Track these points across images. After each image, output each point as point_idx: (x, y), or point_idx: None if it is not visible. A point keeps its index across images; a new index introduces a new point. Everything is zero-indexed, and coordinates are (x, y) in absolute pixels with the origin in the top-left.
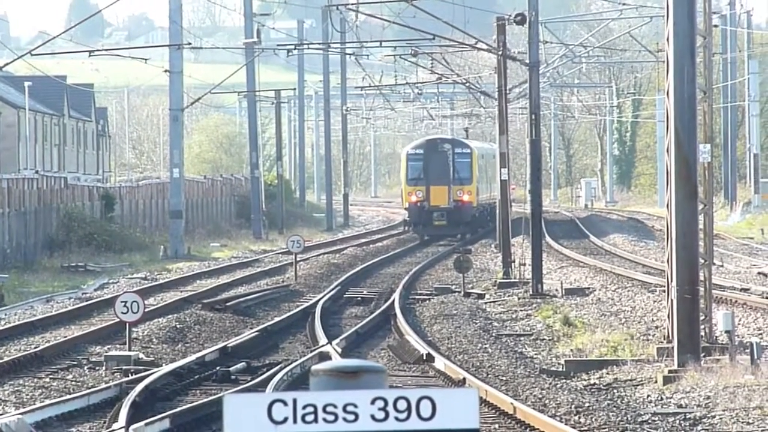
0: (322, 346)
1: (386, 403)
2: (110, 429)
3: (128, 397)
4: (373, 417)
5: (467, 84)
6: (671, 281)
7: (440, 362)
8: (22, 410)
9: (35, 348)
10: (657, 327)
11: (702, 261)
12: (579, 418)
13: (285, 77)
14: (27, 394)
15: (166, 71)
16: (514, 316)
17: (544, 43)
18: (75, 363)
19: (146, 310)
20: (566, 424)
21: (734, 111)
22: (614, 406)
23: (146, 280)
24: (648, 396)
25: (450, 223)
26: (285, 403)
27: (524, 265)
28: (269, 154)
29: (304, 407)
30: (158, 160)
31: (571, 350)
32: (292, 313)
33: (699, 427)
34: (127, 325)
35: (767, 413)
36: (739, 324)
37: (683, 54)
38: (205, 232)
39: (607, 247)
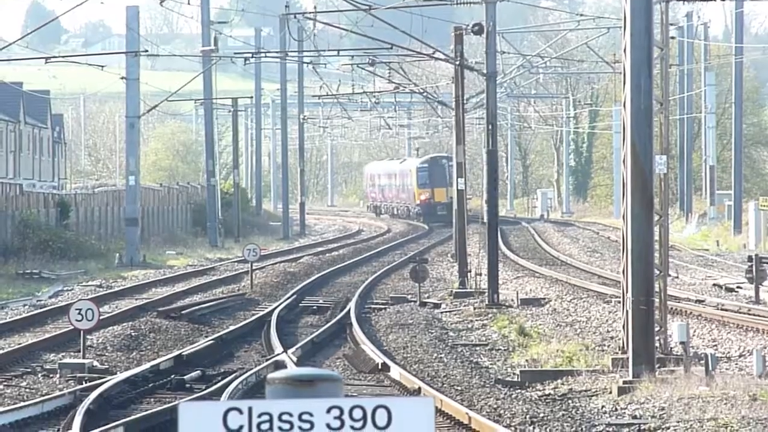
0: (278, 354)
1: (342, 411)
2: None
3: (82, 404)
4: (328, 426)
5: (424, 93)
6: (627, 292)
7: (396, 371)
8: None
9: None
10: (612, 338)
11: (657, 272)
12: (534, 428)
13: (242, 85)
14: None
15: (122, 78)
16: (469, 326)
17: (502, 53)
18: (29, 370)
19: (101, 317)
20: None
21: (690, 123)
22: (569, 417)
23: (101, 288)
24: (603, 407)
25: (448, 214)
26: (240, 412)
27: (480, 275)
28: (226, 162)
29: (260, 416)
30: (114, 168)
31: (527, 360)
32: (247, 321)
33: None
34: (82, 332)
35: (721, 425)
36: (693, 335)
37: (640, 65)
38: (161, 240)
39: (563, 258)
